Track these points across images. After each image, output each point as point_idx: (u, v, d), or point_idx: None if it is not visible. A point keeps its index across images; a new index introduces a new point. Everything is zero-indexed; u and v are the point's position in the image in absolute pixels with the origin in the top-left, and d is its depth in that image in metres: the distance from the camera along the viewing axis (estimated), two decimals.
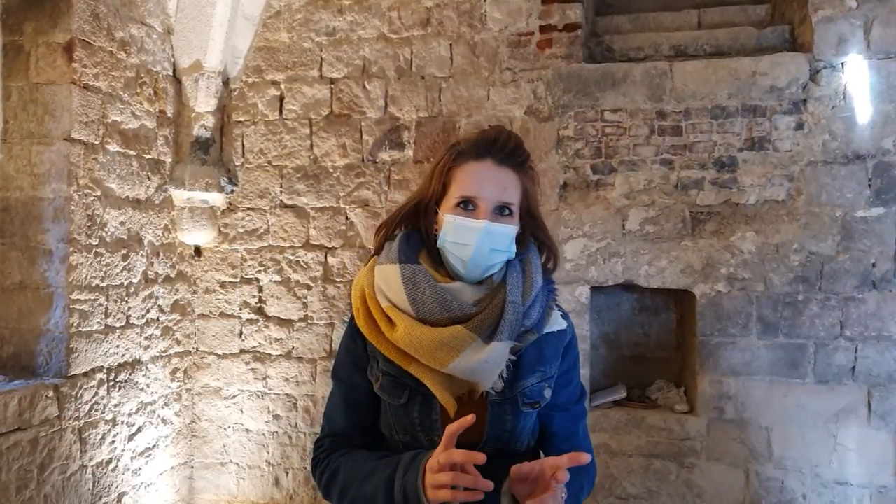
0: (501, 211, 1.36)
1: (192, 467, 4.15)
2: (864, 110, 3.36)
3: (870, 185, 3.36)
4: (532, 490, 1.22)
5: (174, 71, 3.89)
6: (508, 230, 1.36)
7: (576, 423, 1.50)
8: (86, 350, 3.25)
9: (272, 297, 4.06)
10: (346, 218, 3.97)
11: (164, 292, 3.85)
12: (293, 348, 4.03)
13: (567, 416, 1.48)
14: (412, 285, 1.33)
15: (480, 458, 1.14)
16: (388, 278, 1.36)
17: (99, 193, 3.33)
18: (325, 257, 4.00)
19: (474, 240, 1.32)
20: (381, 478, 1.29)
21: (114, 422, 3.45)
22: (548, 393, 1.41)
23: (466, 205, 1.35)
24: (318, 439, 1.52)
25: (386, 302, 1.36)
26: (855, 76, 3.36)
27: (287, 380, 4.03)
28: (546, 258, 1.50)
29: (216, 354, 4.13)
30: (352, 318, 1.45)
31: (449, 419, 1.32)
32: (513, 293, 1.34)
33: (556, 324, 1.44)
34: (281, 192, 4.06)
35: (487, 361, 1.29)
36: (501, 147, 1.37)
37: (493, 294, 1.35)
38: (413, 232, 1.44)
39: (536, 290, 1.38)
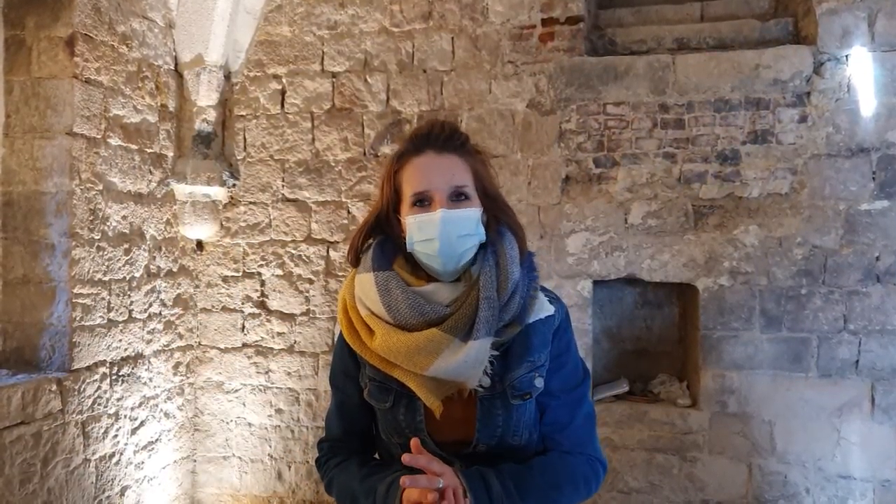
0: (457, 197, 1.35)
1: (195, 461, 4.16)
2: (868, 103, 3.34)
3: (874, 179, 3.34)
4: None
5: (176, 65, 3.88)
6: (469, 213, 1.34)
7: (572, 412, 1.46)
8: (88, 344, 3.25)
9: (274, 291, 4.07)
10: (348, 212, 3.97)
11: (166, 286, 3.86)
12: (295, 342, 4.04)
13: (560, 403, 1.44)
14: (385, 292, 1.34)
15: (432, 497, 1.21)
16: (366, 287, 1.37)
17: (101, 188, 3.33)
18: (327, 251, 4.00)
19: (437, 231, 1.31)
20: None
21: (116, 416, 3.46)
22: (539, 382, 1.39)
23: (422, 202, 1.35)
24: (320, 441, 1.59)
25: (365, 310, 1.37)
26: (859, 69, 3.34)
27: (289, 374, 4.04)
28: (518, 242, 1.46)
29: (218, 348, 4.14)
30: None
31: (434, 420, 1.35)
32: (487, 289, 1.32)
33: (543, 310, 1.40)
34: (283, 186, 4.06)
35: (467, 361, 1.28)
36: (437, 136, 1.37)
37: (467, 292, 1.34)
38: (387, 239, 1.43)
39: (513, 282, 1.35)
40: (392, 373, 1.34)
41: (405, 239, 1.38)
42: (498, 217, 1.42)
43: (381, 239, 1.43)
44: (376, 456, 1.57)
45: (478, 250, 1.38)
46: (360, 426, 1.52)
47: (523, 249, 1.43)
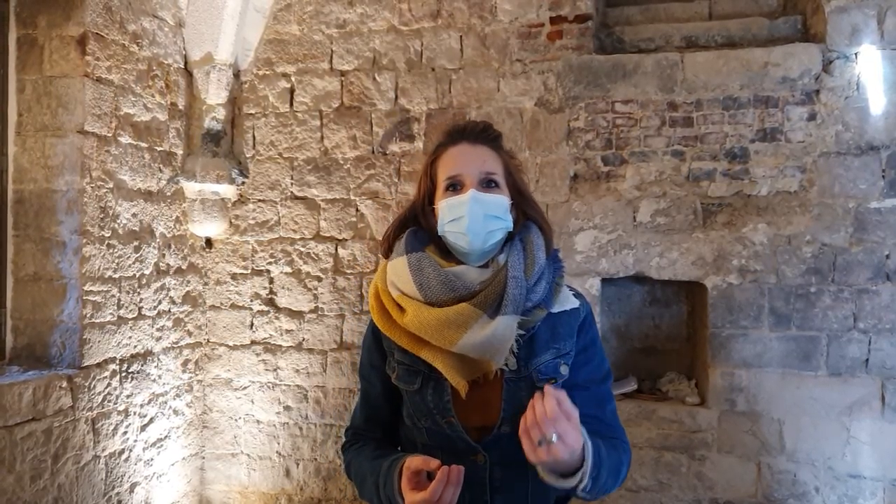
0: (488, 184, 1.43)
1: (204, 458, 4.18)
2: (877, 101, 3.33)
3: (884, 177, 3.33)
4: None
5: (185, 63, 3.90)
6: (498, 199, 1.42)
7: (602, 405, 1.48)
8: (99, 341, 3.27)
9: (283, 288, 4.08)
10: (357, 210, 3.98)
11: (175, 284, 3.87)
12: (304, 339, 4.05)
13: (590, 395, 1.46)
14: (418, 271, 1.40)
15: (434, 464, 1.24)
16: (398, 269, 1.43)
17: (111, 185, 3.35)
18: (336, 249, 4.01)
19: (466, 210, 1.38)
20: (371, 483, 1.42)
21: (126, 412, 3.47)
22: (564, 370, 1.42)
23: (455, 186, 1.43)
24: (346, 429, 1.67)
25: (396, 291, 1.43)
26: (868, 66, 3.33)
27: (298, 371, 4.05)
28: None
29: (227, 346, 4.15)
30: (371, 319, 1.54)
31: (461, 401, 1.38)
32: (514, 269, 1.38)
33: (569, 302, 1.47)
34: (291, 183, 4.07)
35: (495, 336, 1.32)
36: (472, 129, 1.48)
37: (495, 274, 1.40)
38: (419, 229, 1.51)
39: (539, 266, 1.41)
40: (420, 353, 1.38)
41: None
42: (526, 212, 1.50)
43: (414, 229, 1.51)
44: (398, 449, 1.59)
45: (505, 242, 1.45)
46: (382, 416, 1.58)
47: (549, 244, 1.49)
